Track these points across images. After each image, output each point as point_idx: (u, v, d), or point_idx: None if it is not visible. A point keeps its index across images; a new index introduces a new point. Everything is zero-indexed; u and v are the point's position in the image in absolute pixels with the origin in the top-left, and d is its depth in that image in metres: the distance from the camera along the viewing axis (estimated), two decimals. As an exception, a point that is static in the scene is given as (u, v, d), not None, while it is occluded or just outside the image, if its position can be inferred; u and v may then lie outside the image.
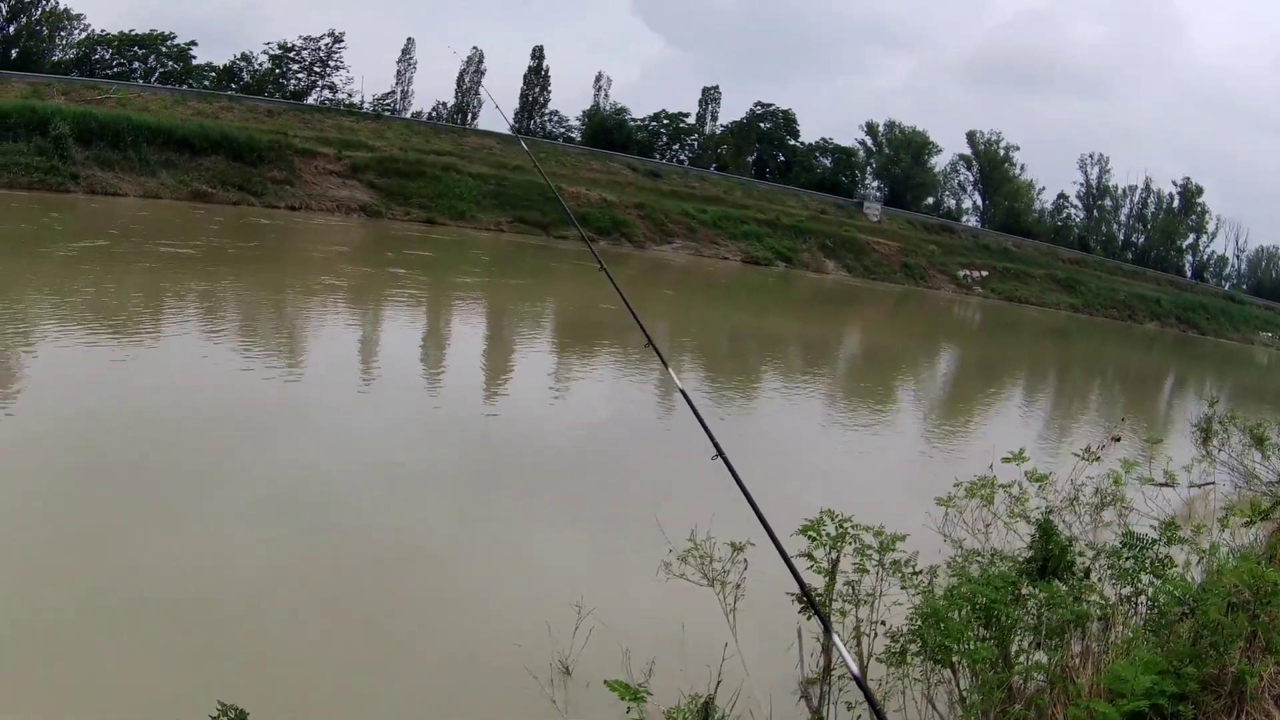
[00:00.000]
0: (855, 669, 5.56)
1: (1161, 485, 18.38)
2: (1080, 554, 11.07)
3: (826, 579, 9.99)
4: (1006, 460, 13.81)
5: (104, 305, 33.02)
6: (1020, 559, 11.01)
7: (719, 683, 9.17)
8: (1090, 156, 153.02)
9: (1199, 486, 21.90)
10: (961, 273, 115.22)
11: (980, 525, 13.38)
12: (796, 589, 9.72)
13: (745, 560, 10.12)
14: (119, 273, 40.45)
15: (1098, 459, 15.69)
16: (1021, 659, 9.57)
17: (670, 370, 9.12)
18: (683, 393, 8.63)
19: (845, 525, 10.14)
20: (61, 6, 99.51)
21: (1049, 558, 10.73)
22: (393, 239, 71.13)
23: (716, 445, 7.75)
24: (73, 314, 30.89)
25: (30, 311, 30.69)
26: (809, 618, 9.59)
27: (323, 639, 12.74)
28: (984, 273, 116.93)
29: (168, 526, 15.53)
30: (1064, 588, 10.23)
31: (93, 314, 31.13)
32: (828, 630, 5.89)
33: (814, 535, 10.02)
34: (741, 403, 34.17)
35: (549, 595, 13.30)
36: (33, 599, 12.47)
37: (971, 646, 9.07)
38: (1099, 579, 10.81)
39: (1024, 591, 10.06)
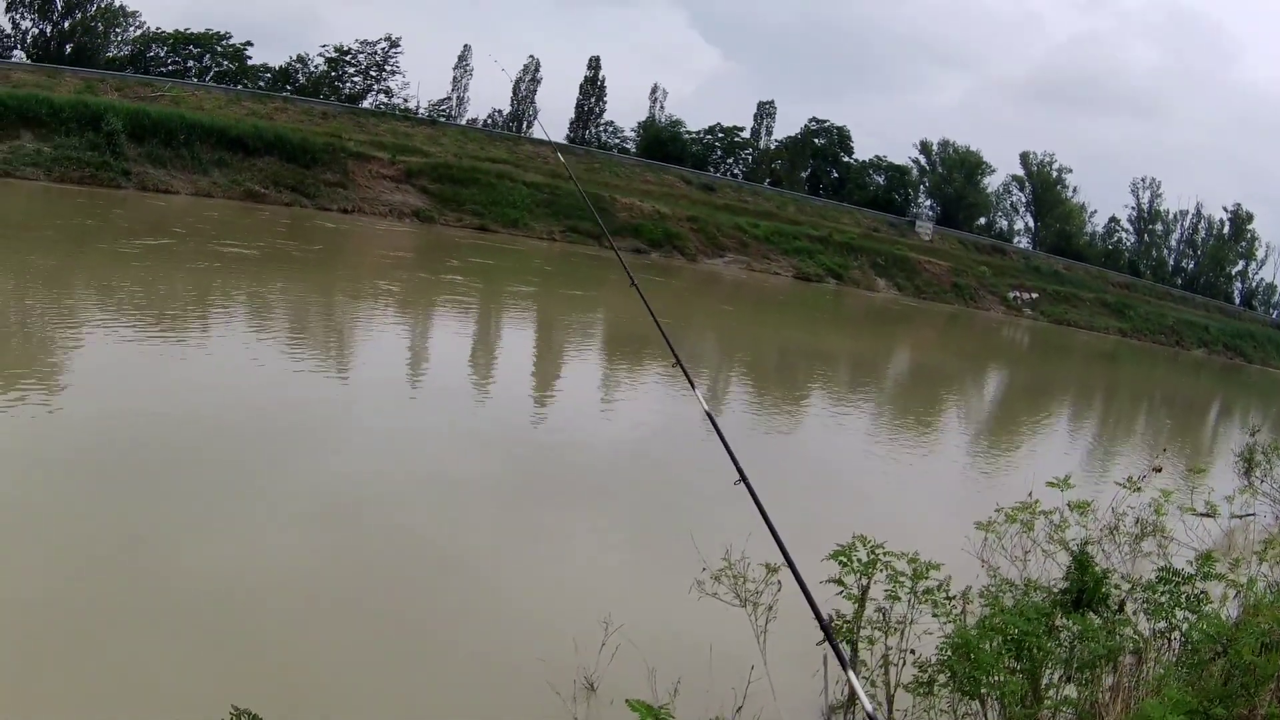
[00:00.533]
0: (869, 708, 5.51)
1: (1202, 515, 18.17)
2: (1116, 586, 10.97)
3: (856, 605, 9.93)
4: (1051, 485, 13.73)
5: (170, 303, 33.27)
6: (1055, 590, 10.92)
7: (739, 709, 9.13)
8: (1142, 180, 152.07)
9: (1240, 518, 21.69)
10: (1012, 294, 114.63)
11: (1019, 552, 13.27)
12: (836, 611, 9.77)
13: (779, 582, 9.96)
14: (192, 272, 40.91)
15: (1139, 489, 15.59)
16: (1051, 693, 9.51)
17: (696, 393, 9.07)
18: (709, 415, 8.58)
19: (877, 551, 10.07)
20: (117, 3, 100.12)
21: (1084, 589, 10.62)
22: (454, 246, 71.27)
23: (740, 470, 7.64)
24: (136, 311, 31.16)
25: (97, 307, 30.96)
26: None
27: (349, 644, 12.81)
28: (1034, 295, 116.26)
29: (208, 525, 15.72)
30: (1098, 621, 10.14)
31: (158, 312, 31.38)
32: (844, 667, 5.78)
33: (845, 560, 9.96)
34: (787, 421, 34.18)
35: (579, 610, 13.26)
36: (71, 595, 12.62)
37: (1001, 679, 9.02)
38: (1134, 612, 10.72)
39: (1057, 623, 9.98)
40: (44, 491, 16.00)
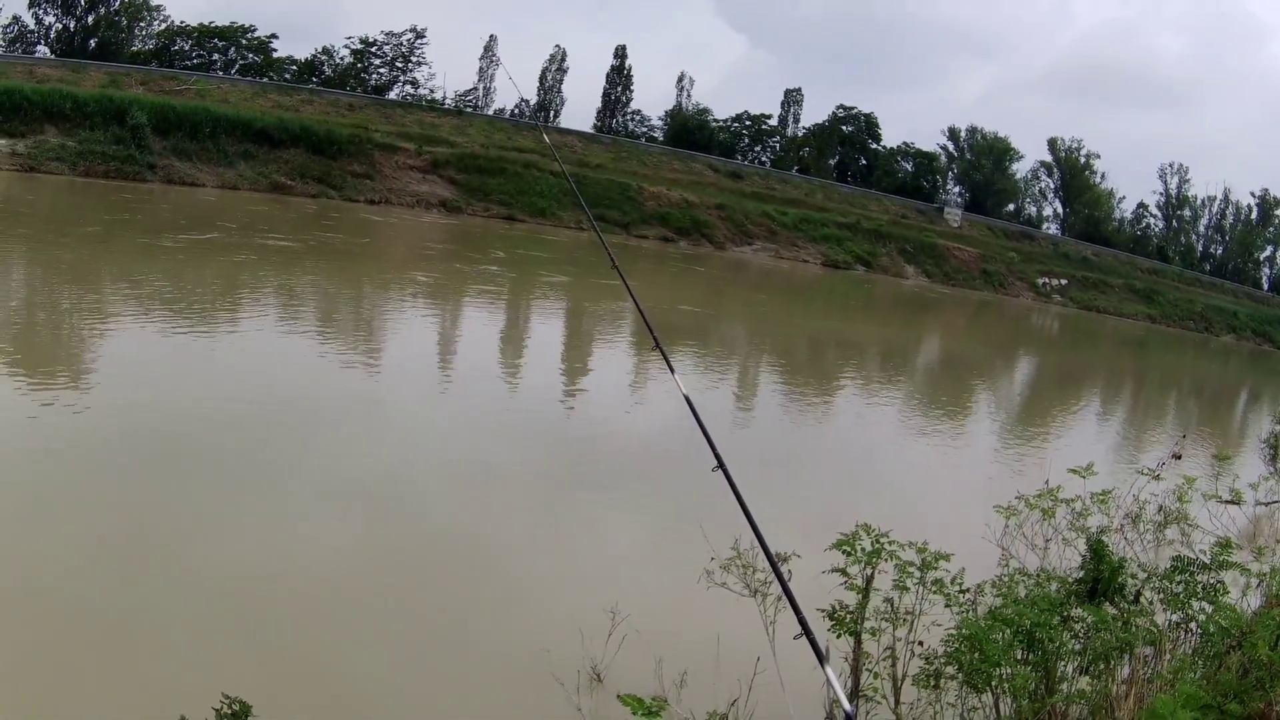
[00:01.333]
0: (848, 706, 5.35)
1: (1228, 503, 18.00)
2: (1133, 576, 10.80)
3: (859, 596, 9.78)
4: (1073, 472, 13.60)
5: (222, 294, 33.36)
6: (1070, 579, 10.75)
7: (734, 701, 9.00)
8: (1170, 166, 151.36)
9: (1265, 505, 21.52)
10: (1040, 281, 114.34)
11: (1040, 540, 13.16)
12: (839, 601, 9.61)
13: (789, 571, 9.85)
14: (257, 265, 40.96)
15: (1159, 477, 15.42)
16: (1065, 685, 9.35)
17: (675, 377, 8.89)
18: (686, 399, 8.42)
19: (882, 541, 9.92)
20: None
21: (1099, 579, 10.46)
22: (484, 236, 71.31)
23: (718, 457, 7.51)
24: (179, 302, 31.20)
25: (140, 298, 31.03)
26: (837, 635, 9.43)
27: (358, 634, 12.82)
28: (1063, 281, 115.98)
29: (235, 515, 15.86)
30: (1113, 612, 9.99)
31: (219, 304, 31.46)
32: (821, 662, 5.63)
33: (849, 550, 9.81)
34: (816, 409, 34.16)
35: (586, 600, 13.21)
36: (96, 584, 12.76)
37: (1011, 671, 8.87)
38: (1150, 603, 10.56)
39: (1072, 614, 9.83)
40: (72, 481, 16.17)
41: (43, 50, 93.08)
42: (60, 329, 26.66)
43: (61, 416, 19.09)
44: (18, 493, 15.19)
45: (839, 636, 9.40)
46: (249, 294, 36.65)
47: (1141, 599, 10.51)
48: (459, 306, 44.64)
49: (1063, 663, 9.39)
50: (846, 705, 5.29)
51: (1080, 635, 9.59)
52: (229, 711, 7.25)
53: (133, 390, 21.64)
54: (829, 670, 5.52)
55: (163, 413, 20.32)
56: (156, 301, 31.33)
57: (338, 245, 56.43)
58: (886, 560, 9.81)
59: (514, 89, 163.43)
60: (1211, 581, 10.21)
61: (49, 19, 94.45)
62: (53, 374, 22.30)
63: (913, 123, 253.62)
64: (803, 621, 5.91)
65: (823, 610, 8.28)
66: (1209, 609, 9.84)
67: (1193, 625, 10.08)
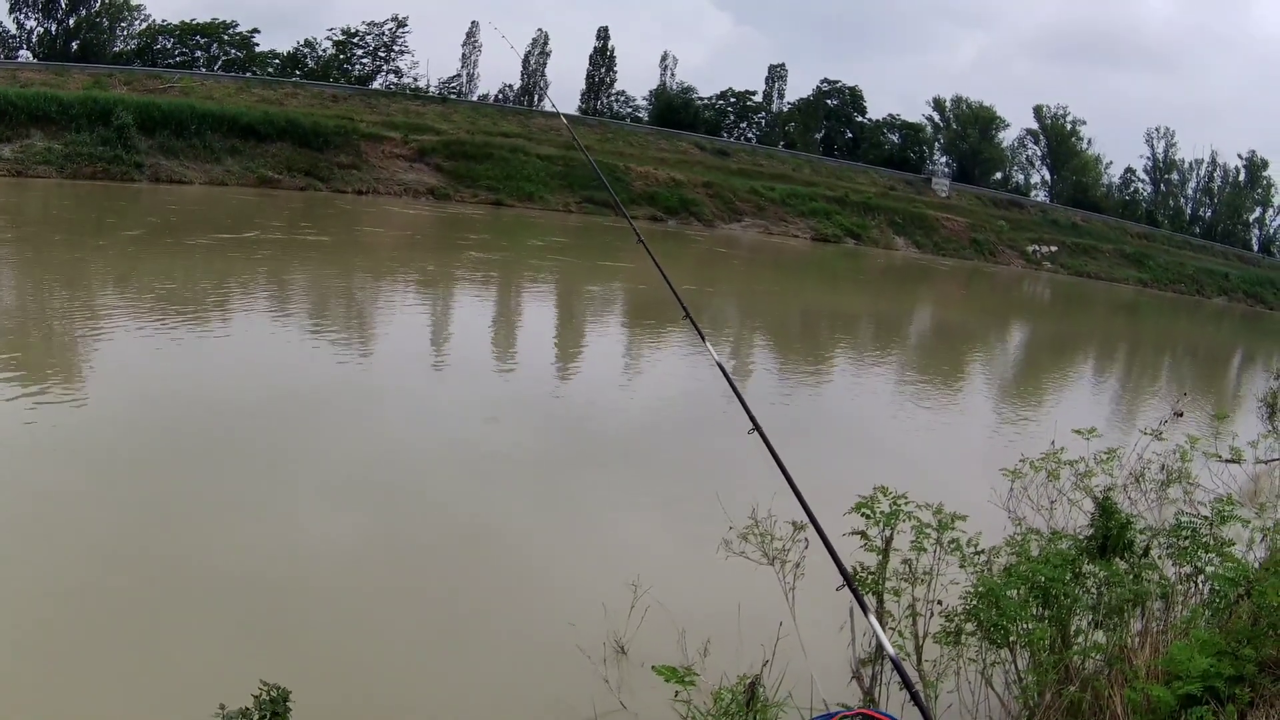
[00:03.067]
0: (891, 652, 5.54)
1: (1228, 461, 18.16)
2: (1141, 532, 10.99)
3: (880, 557, 9.95)
4: (1077, 433, 13.75)
5: (217, 289, 33.37)
6: (1081, 537, 10.94)
7: (765, 664, 9.13)
8: (1157, 130, 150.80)
9: (1265, 463, 21.67)
10: (1031, 248, 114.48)
11: (1045, 501, 13.31)
12: (860, 563, 9.79)
13: (806, 539, 9.92)
14: (262, 258, 40.84)
15: (1162, 437, 15.59)
16: (1080, 639, 9.54)
17: (708, 345, 9.06)
18: (719, 365, 8.59)
19: (899, 502, 10.08)
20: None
21: (1109, 535, 10.64)
22: (471, 222, 71.24)
23: (753, 419, 7.64)
24: (174, 298, 31.20)
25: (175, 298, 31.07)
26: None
27: (380, 618, 12.93)
28: (1053, 248, 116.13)
29: (240, 506, 15.86)
30: (1124, 566, 10.18)
31: (204, 297, 31.45)
32: (865, 611, 5.81)
33: (868, 513, 9.97)
34: (811, 380, 34.23)
35: (607, 574, 13.39)
36: (105, 581, 12.72)
37: (1029, 626, 9.05)
38: (1159, 557, 10.76)
39: (1084, 570, 10.01)
40: (83, 478, 16.15)
41: (25, 55, 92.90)
42: (81, 332, 26.69)
43: (65, 414, 19.22)
44: (28, 492, 15.33)
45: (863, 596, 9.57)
46: (248, 287, 36.66)
47: (1151, 553, 10.70)
48: (459, 294, 44.67)
49: (1077, 617, 9.58)
50: (890, 650, 5.48)
51: (1092, 590, 9.79)
52: (268, 698, 7.31)
53: (137, 385, 21.76)
54: (872, 619, 5.70)
55: (167, 406, 20.48)
56: (151, 297, 31.41)
57: (325, 238, 56.49)
58: (904, 521, 9.98)
59: (506, 67, 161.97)
60: (1217, 535, 10.41)
61: (30, 23, 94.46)
62: (61, 374, 22.34)
63: (899, 93, 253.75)
64: (844, 573, 6.09)
65: (843, 572, 8.43)
66: (1217, 561, 10.04)
67: (1200, 578, 10.29)
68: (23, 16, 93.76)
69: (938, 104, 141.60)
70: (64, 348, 25.03)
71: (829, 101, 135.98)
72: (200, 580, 13.03)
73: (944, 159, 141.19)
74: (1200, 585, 10.33)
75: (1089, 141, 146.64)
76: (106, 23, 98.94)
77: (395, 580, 14.10)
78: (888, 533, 9.99)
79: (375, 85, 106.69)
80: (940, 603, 10.00)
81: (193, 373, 23.60)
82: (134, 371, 23.05)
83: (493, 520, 16.71)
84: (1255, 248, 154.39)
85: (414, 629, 12.63)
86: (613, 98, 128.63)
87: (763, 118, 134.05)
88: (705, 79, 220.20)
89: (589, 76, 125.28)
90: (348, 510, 16.32)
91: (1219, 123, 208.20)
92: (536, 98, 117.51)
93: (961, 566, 10.09)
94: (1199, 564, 10.21)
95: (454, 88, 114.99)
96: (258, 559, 13.90)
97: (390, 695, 11.20)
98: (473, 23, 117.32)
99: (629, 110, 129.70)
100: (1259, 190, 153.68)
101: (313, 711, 7.83)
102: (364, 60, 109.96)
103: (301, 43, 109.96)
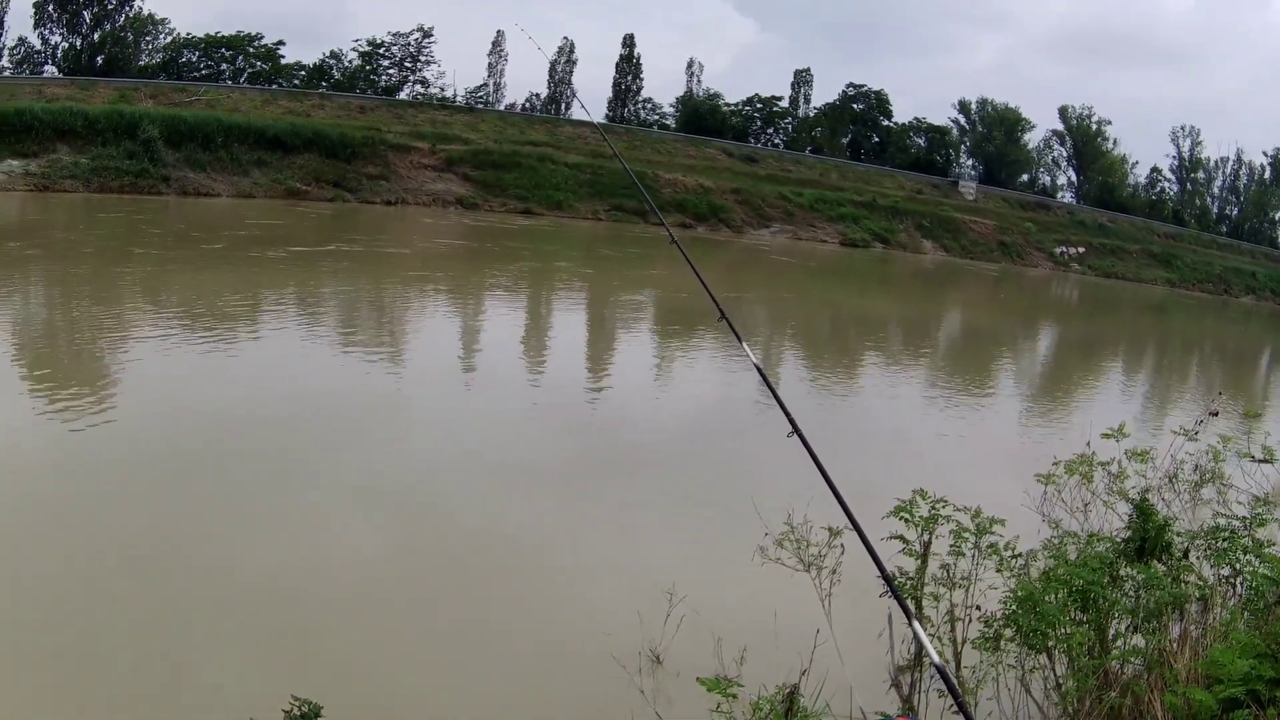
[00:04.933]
0: (935, 659, 5.52)
1: (1260, 462, 18.13)
2: (1179, 534, 10.98)
3: (918, 562, 9.95)
4: (1106, 436, 13.75)
5: (245, 300, 33.48)
6: (1118, 539, 10.93)
7: (803, 671, 9.16)
8: (1182, 129, 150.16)
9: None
10: (1058, 250, 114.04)
11: (1079, 504, 13.31)
12: (898, 568, 9.78)
13: (842, 545, 9.92)
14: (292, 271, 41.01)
15: (1195, 438, 15.58)
16: (1119, 643, 9.53)
17: (745, 346, 9.05)
18: (758, 368, 8.60)
19: (938, 506, 10.09)
20: (145, 12, 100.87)
21: (1146, 538, 10.63)
22: (502, 232, 71.30)
23: (793, 422, 7.64)
24: (201, 312, 31.32)
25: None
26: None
27: (411, 626, 12.96)
28: (1080, 249, 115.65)
29: (264, 517, 15.96)
30: (1162, 569, 10.16)
31: (230, 309, 31.56)
32: (909, 618, 5.81)
33: (906, 516, 9.97)
34: (843, 385, 34.22)
35: (642, 583, 13.33)
36: (128, 592, 12.80)
37: (1068, 631, 9.05)
38: (1197, 559, 10.74)
39: (1121, 573, 10.00)
40: (107, 490, 16.28)
41: (50, 70, 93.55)
42: (131, 344, 26.78)
43: (93, 425, 19.28)
44: (53, 503, 15.42)
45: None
46: (283, 299, 36.78)
47: (1190, 555, 10.69)
48: (493, 302, 44.67)
49: (1115, 621, 9.57)
50: (934, 656, 5.46)
51: (1131, 593, 9.78)
52: (299, 713, 7.29)
53: (163, 396, 21.86)
54: (916, 625, 5.70)
55: (195, 420, 20.51)
56: (175, 310, 31.55)
57: (356, 248, 56.54)
58: (942, 524, 9.98)
59: (532, 76, 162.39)
60: (1256, 536, 10.40)
61: (55, 38, 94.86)
62: (90, 386, 22.45)
63: (924, 96, 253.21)
64: (887, 578, 6.11)
65: (879, 578, 8.44)
66: (1256, 563, 10.03)
67: (1239, 580, 10.27)
68: (47, 32, 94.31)
69: (963, 106, 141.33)
70: (107, 360, 25.18)
71: (855, 106, 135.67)
72: (229, 591, 13.11)
73: (970, 162, 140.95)
74: (1239, 587, 10.31)
75: (1114, 141, 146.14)
76: (131, 37, 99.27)
77: (426, 590, 14.13)
78: (926, 537, 10.01)
79: (402, 96, 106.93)
80: (979, 608, 10.00)
81: (234, 381, 23.81)
82: (167, 383, 23.16)
83: (526, 529, 16.72)
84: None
85: (447, 640, 12.67)
86: (639, 105, 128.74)
87: (789, 123, 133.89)
88: (730, 85, 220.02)
89: (615, 84, 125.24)
90: (378, 520, 16.36)
91: (1241, 118, 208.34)
92: (564, 106, 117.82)
93: (999, 571, 10.07)
94: (1237, 565, 10.19)
95: (480, 97, 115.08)
96: (290, 570, 13.96)
97: (422, 707, 11.21)
98: (498, 32, 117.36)
99: (656, 117, 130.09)
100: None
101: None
102: (390, 71, 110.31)
103: (327, 54, 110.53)
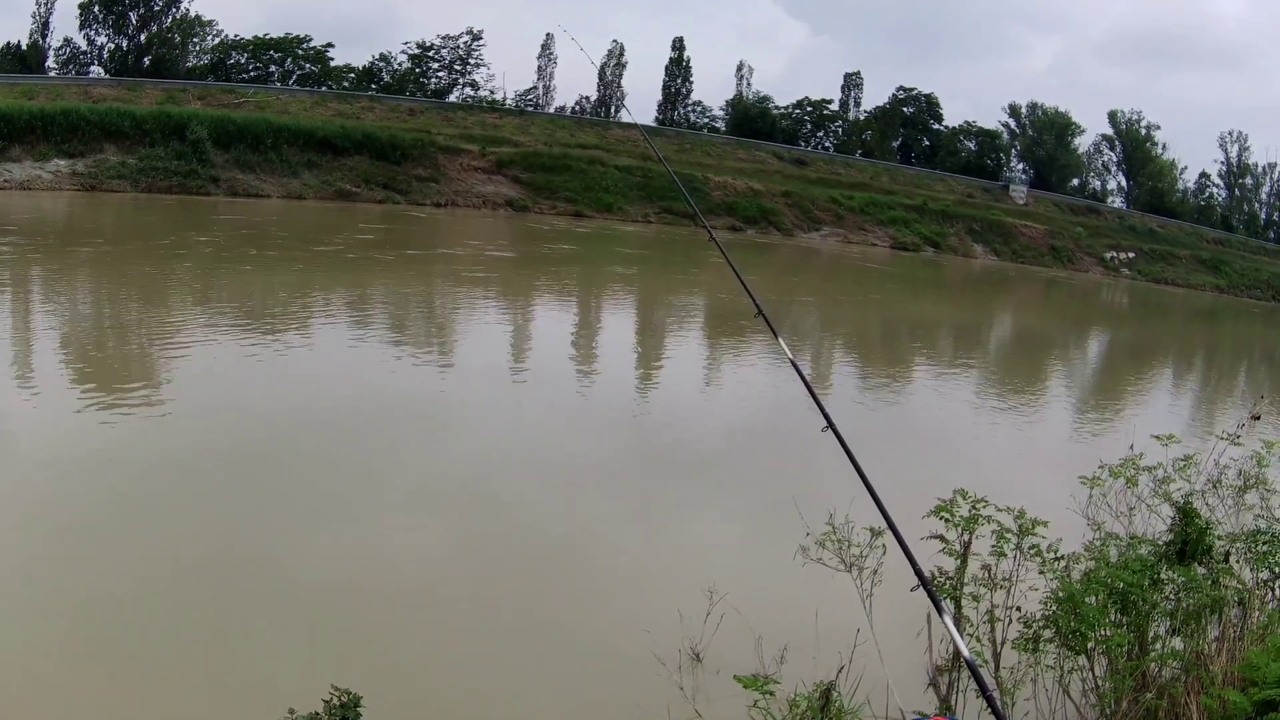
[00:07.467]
0: (966, 652, 5.51)
1: (1302, 467, 18.08)
2: (1219, 537, 10.99)
3: (958, 561, 9.98)
4: (1155, 439, 13.76)
5: (295, 301, 33.65)
6: (1159, 542, 10.95)
7: (840, 670, 9.19)
8: (1230, 134, 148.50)
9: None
10: (1108, 255, 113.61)
11: (1124, 508, 13.31)
12: (939, 568, 9.81)
13: (884, 545, 9.91)
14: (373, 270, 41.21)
15: (1239, 443, 15.56)
16: (1157, 645, 9.55)
17: (781, 340, 9.07)
18: (793, 363, 8.63)
19: (979, 506, 10.11)
20: (193, 14, 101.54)
21: (1188, 540, 10.65)
22: (553, 234, 71.40)
23: (827, 417, 7.68)
24: (254, 311, 31.50)
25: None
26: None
27: (455, 622, 13.16)
28: (1130, 254, 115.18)
29: (322, 516, 16.11)
30: (1202, 571, 10.19)
31: (280, 309, 31.72)
32: (939, 613, 5.84)
33: (947, 516, 10.00)
34: (892, 387, 34.22)
35: (683, 581, 13.41)
36: (186, 589, 12.94)
37: (1107, 633, 9.08)
38: (1238, 563, 10.76)
39: (1162, 575, 10.01)
40: (166, 486, 16.52)
41: (97, 70, 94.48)
42: (191, 343, 27.00)
43: (149, 423, 19.64)
44: (111, 499, 15.65)
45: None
46: (345, 300, 37.01)
47: (1230, 559, 10.71)
48: (546, 304, 45.24)
49: (1155, 623, 9.59)
50: (965, 652, 5.49)
51: (1170, 596, 9.80)
52: (339, 703, 7.34)
53: (220, 395, 22.12)
54: (948, 621, 5.72)
55: (250, 417, 20.81)
56: (231, 311, 31.74)
57: (408, 250, 56.77)
58: (984, 524, 10.00)
59: (582, 79, 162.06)
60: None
61: (101, 39, 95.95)
62: (146, 383, 22.74)
63: (974, 100, 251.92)
64: (919, 573, 6.15)
65: (919, 576, 8.45)
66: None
67: (1277, 584, 10.29)
68: (93, 33, 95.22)
69: (1013, 110, 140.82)
70: (167, 358, 25.43)
71: (905, 109, 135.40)
72: (280, 584, 13.34)
73: (1020, 165, 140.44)
74: (1277, 590, 10.33)
75: (1164, 146, 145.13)
76: (178, 38, 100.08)
77: (470, 587, 14.30)
78: (966, 537, 10.03)
79: (451, 98, 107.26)
80: (1019, 609, 10.02)
81: (293, 380, 24.20)
82: (228, 380, 23.56)
83: (568, 527, 16.92)
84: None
85: (490, 636, 12.74)
86: (689, 108, 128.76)
87: (839, 126, 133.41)
88: (781, 88, 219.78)
89: (665, 87, 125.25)
90: (427, 517, 16.54)
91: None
92: (614, 109, 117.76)
93: (1041, 572, 10.08)
94: (1277, 569, 10.21)
95: (530, 100, 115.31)
96: (337, 565, 14.15)
97: (465, 702, 11.33)
98: (547, 35, 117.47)
99: (705, 120, 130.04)
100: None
101: (386, 716, 7.95)
102: (439, 74, 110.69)
103: (376, 57, 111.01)
